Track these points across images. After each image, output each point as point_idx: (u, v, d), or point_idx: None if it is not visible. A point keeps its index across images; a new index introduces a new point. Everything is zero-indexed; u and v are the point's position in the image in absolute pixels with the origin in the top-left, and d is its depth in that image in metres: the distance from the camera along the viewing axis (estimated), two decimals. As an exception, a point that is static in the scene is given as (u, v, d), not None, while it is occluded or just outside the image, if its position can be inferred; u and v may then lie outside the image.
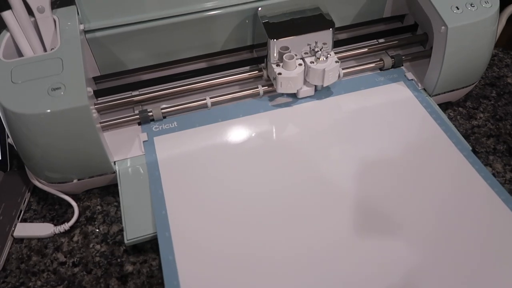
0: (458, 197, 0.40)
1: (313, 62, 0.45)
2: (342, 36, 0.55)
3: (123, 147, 0.44)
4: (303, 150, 0.44)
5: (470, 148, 0.44)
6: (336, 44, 0.53)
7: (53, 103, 0.37)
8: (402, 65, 0.51)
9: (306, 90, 0.47)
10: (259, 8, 0.46)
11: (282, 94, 0.48)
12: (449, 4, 0.44)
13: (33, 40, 0.41)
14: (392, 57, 0.51)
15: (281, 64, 0.45)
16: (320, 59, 0.45)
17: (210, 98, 0.47)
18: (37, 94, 0.37)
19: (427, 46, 0.52)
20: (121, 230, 0.42)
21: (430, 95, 0.49)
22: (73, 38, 0.41)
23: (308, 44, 0.45)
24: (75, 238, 0.41)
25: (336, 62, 0.46)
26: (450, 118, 0.50)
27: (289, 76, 0.45)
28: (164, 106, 0.46)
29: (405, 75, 0.51)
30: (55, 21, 0.42)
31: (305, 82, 0.47)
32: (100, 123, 0.44)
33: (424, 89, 0.49)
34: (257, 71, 0.49)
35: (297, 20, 0.46)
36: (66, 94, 0.37)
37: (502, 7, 0.71)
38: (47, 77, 0.38)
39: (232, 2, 0.46)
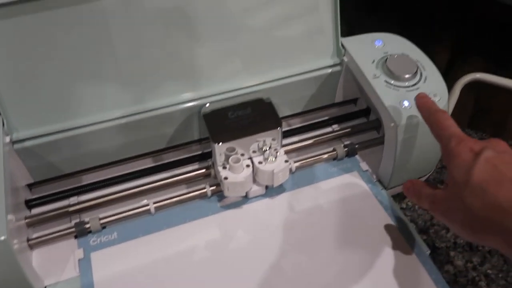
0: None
1: (261, 162, 0.43)
2: (295, 122, 0.53)
3: (57, 267, 0.40)
4: (256, 255, 0.41)
5: (428, 252, 0.42)
6: (289, 132, 0.52)
7: (-34, 238, 0.33)
8: (357, 154, 0.50)
9: (256, 190, 0.45)
10: (203, 108, 0.44)
11: (231, 195, 0.45)
12: (397, 100, 0.43)
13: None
14: (345, 146, 0.49)
15: (227, 166, 0.43)
16: (269, 159, 0.43)
17: (154, 203, 0.44)
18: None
19: (381, 132, 0.51)
20: None
21: (385, 188, 0.47)
22: (-4, 155, 0.38)
23: (257, 141, 0.43)
24: None
25: (286, 161, 0.43)
26: (409, 209, 0.49)
27: (235, 180, 0.42)
28: (102, 215, 0.43)
29: (359, 165, 0.49)
30: (-24, 136, 0.39)
31: (255, 181, 0.45)
32: (30, 240, 0.41)
33: (379, 181, 0.47)
34: (204, 169, 0.46)
35: (243, 119, 0.44)
36: (-18, 226, 0.33)
37: (456, 79, 0.72)
38: (-39, 206, 0.34)
39: (171, 102, 0.44)
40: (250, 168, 0.43)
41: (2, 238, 0.33)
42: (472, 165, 0.31)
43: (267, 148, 0.43)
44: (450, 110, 0.67)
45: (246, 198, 0.45)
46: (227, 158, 0.43)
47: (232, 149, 0.43)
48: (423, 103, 0.39)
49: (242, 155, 0.43)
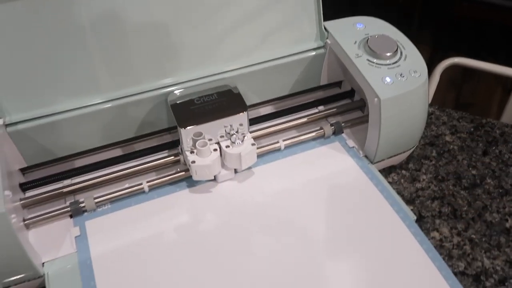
0: (399, 270, 0.39)
1: (228, 146, 0.44)
2: (282, 105, 0.55)
3: (53, 245, 0.41)
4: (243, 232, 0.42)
5: (414, 218, 0.43)
6: (277, 114, 0.53)
7: (-35, 213, 0.33)
8: (343, 132, 0.52)
9: (225, 174, 0.46)
10: (169, 95, 0.45)
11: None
12: (380, 76, 0.45)
13: None
14: (332, 124, 0.51)
15: (195, 151, 0.44)
16: (236, 143, 0.44)
17: (138, 185, 0.45)
18: None
19: (365, 111, 0.53)
20: None
21: (372, 162, 0.49)
22: (-11, 139, 0.38)
23: (225, 126, 0.44)
24: None
25: (253, 144, 0.44)
26: (394, 182, 0.50)
27: (203, 164, 0.43)
28: (97, 195, 0.43)
29: (346, 143, 0.51)
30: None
31: (224, 165, 0.46)
32: (26, 220, 0.41)
33: (366, 156, 0.49)
34: (173, 156, 0.47)
35: (209, 105, 0.45)
36: (-19, 201, 0.34)
37: (436, 63, 0.74)
38: (-41, 184, 0.35)
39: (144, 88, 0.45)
40: (218, 152, 0.44)
41: (1, 211, 0.34)
42: None
43: (234, 133, 0.44)
44: (431, 93, 0.69)
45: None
46: (194, 143, 0.43)
47: (199, 134, 0.44)
48: None
49: (210, 140, 0.44)
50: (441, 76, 0.71)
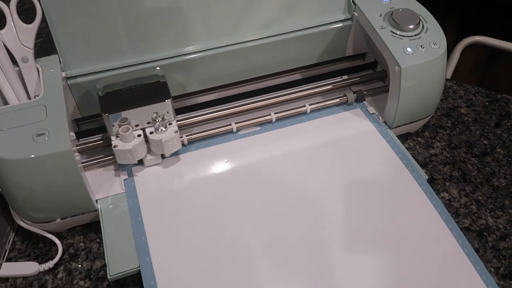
0: (408, 221, 0.44)
1: (152, 133, 0.46)
2: (310, 73, 0.59)
3: (105, 186, 0.47)
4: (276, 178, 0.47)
5: (426, 177, 0.48)
6: (304, 81, 0.58)
7: (38, 149, 0.39)
8: (364, 100, 0.56)
9: (151, 159, 0.48)
10: (96, 83, 0.47)
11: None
12: (401, 47, 0.49)
13: (17, 88, 0.44)
14: (354, 92, 0.55)
15: (119, 136, 0.45)
16: (159, 129, 0.46)
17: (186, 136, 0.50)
18: (22, 140, 0.40)
19: (386, 81, 0.57)
20: (104, 266, 0.44)
21: (390, 128, 0.53)
22: (56, 86, 0.44)
23: (155, 113, 0.46)
24: (59, 275, 0.43)
25: (176, 132, 0.46)
26: (410, 148, 0.55)
27: (124, 148, 0.45)
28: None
29: (367, 109, 0.55)
30: (38, 70, 0.45)
31: (150, 151, 0.48)
32: (82, 163, 0.47)
33: (385, 122, 0.53)
34: (102, 140, 0.49)
35: (135, 92, 0.46)
36: (50, 139, 0.40)
37: (458, 41, 0.77)
38: (32, 124, 0.41)
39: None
40: (141, 138, 0.45)
41: (67, 148, 0.40)
42: None
43: (160, 120, 0.46)
44: (451, 69, 0.72)
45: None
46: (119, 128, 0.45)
47: (124, 120, 0.45)
48: None
49: (137, 126, 0.46)
50: (466, 57, 0.74)
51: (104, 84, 0.47)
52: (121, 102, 0.45)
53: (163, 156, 0.49)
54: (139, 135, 0.46)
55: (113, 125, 0.45)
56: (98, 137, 0.50)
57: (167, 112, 0.46)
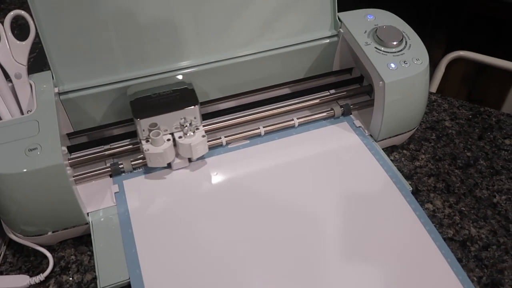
0: (392, 231, 0.45)
1: (181, 137, 0.48)
2: (297, 88, 0.61)
3: (96, 199, 0.47)
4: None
5: (410, 189, 0.49)
6: (292, 95, 0.59)
7: (30, 163, 0.40)
8: (351, 114, 0.57)
9: (179, 162, 0.50)
10: (128, 89, 0.49)
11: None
12: (385, 63, 0.51)
13: (10, 104, 0.45)
14: (341, 106, 0.57)
15: (150, 140, 0.47)
16: (188, 134, 0.48)
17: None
18: (15, 154, 0.40)
19: (372, 95, 0.59)
20: (94, 279, 0.44)
21: (376, 140, 0.54)
22: (48, 101, 0.45)
23: (182, 118, 0.48)
24: (50, 288, 0.44)
25: (203, 136, 0.48)
26: (396, 160, 0.56)
27: (155, 152, 0.47)
28: (132, 159, 0.50)
29: (353, 123, 0.56)
30: (31, 86, 0.46)
31: (178, 155, 0.50)
32: (74, 176, 0.48)
33: (371, 135, 0.55)
34: (131, 145, 0.51)
35: (164, 98, 0.48)
36: (42, 154, 0.41)
37: (443, 56, 0.79)
38: (24, 139, 0.42)
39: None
40: (171, 142, 0.48)
41: (59, 162, 0.40)
42: None
43: (188, 125, 0.48)
44: (437, 83, 0.74)
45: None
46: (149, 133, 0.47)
47: (154, 125, 0.47)
48: None
49: (166, 131, 0.48)
50: (455, 70, 0.76)
51: (136, 89, 0.49)
52: (152, 108, 0.47)
53: (190, 160, 0.50)
54: (168, 140, 0.48)
55: (143, 130, 0.47)
56: (90, 150, 0.51)
57: (195, 118, 0.48)
